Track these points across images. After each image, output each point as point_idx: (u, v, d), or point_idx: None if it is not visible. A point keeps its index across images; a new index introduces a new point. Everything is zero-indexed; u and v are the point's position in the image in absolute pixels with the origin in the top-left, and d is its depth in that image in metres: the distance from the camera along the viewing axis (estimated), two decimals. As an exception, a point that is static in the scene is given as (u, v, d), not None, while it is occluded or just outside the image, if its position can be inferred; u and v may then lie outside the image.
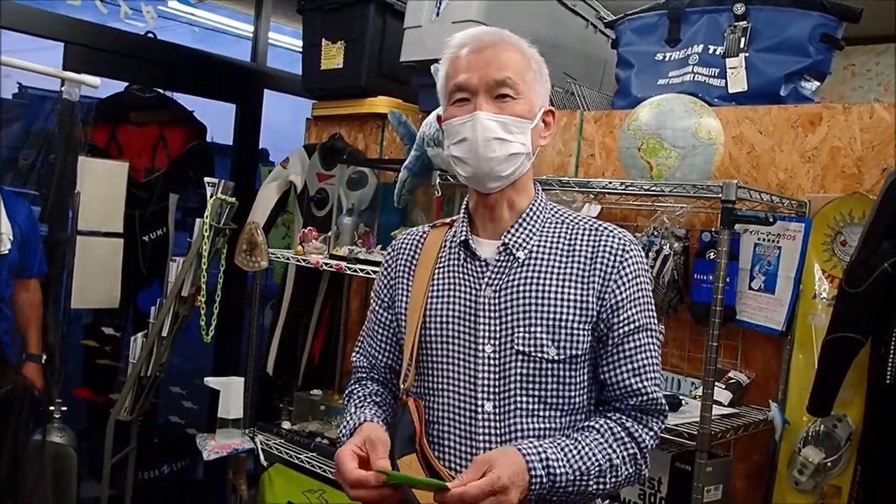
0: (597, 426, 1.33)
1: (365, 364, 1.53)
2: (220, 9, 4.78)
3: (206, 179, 2.98)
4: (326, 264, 2.77)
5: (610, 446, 1.31)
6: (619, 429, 1.32)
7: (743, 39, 2.35)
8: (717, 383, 2.09)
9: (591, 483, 1.28)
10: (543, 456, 1.24)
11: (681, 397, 2.14)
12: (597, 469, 1.28)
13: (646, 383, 1.33)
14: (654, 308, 1.38)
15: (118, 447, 3.16)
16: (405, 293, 1.45)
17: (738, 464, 2.20)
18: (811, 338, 2.08)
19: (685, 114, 2.03)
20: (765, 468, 2.17)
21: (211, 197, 2.96)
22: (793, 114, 2.22)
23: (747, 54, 2.35)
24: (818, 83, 2.36)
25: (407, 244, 1.50)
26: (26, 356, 2.93)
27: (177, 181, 3.75)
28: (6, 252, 2.77)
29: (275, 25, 4.30)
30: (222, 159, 4.05)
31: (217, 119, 4.07)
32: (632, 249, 1.36)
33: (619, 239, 1.36)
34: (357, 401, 1.47)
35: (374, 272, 2.59)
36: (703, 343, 2.07)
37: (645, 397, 1.33)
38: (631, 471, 1.33)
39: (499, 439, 1.32)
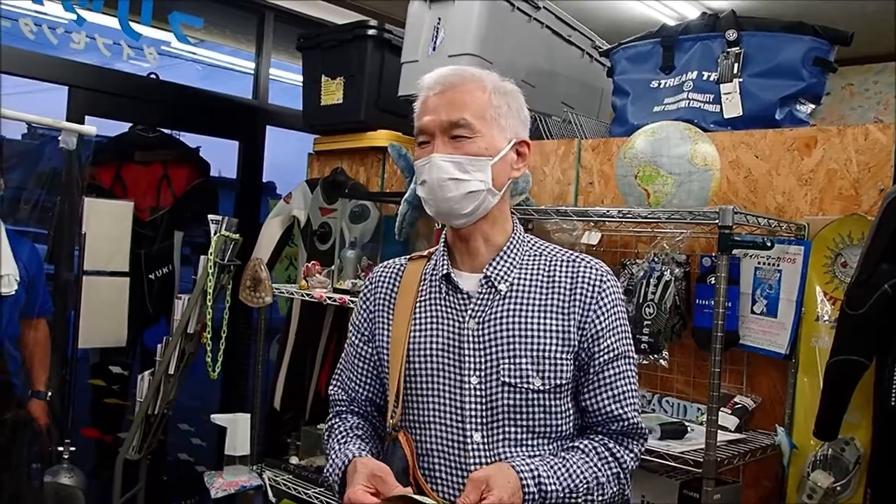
0: (581, 447, 1.38)
1: (344, 397, 1.53)
2: (222, 47, 4.86)
3: (210, 217, 3.01)
4: (330, 298, 2.78)
5: (595, 465, 1.36)
6: (603, 449, 1.38)
7: (736, 65, 2.37)
8: (723, 409, 2.09)
9: (579, 500, 1.33)
10: (535, 473, 1.29)
11: (686, 424, 2.13)
12: (584, 486, 1.33)
13: (626, 409, 1.39)
14: (630, 335, 1.43)
15: (128, 486, 3.16)
16: (386, 326, 1.46)
17: (748, 490, 2.18)
18: (815, 360, 2.07)
19: (680, 141, 2.05)
20: (774, 494, 2.15)
21: (215, 234, 2.99)
22: (788, 137, 2.23)
23: (741, 79, 2.37)
24: (813, 106, 2.38)
25: (385, 277, 1.51)
26: (32, 393, 2.94)
27: (182, 219, 3.78)
28: (12, 293, 2.79)
29: (277, 62, 4.37)
30: (229, 193, 4.08)
31: (225, 153, 4.10)
32: (608, 280, 1.40)
33: (596, 270, 1.40)
34: (339, 436, 1.47)
35: (378, 305, 2.60)
36: (707, 368, 2.06)
37: (626, 422, 1.39)
38: (615, 489, 1.38)
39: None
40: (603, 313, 1.38)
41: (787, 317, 2.11)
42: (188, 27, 3.79)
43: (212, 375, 3.02)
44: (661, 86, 2.55)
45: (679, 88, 2.49)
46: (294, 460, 3.02)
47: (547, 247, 1.46)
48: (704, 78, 2.44)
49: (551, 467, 1.31)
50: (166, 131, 3.84)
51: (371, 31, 3.13)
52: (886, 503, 1.84)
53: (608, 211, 2.13)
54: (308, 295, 2.87)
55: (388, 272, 1.52)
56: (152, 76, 3.60)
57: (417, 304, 1.43)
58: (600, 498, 1.36)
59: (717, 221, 1.86)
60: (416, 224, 2.75)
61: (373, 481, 1.27)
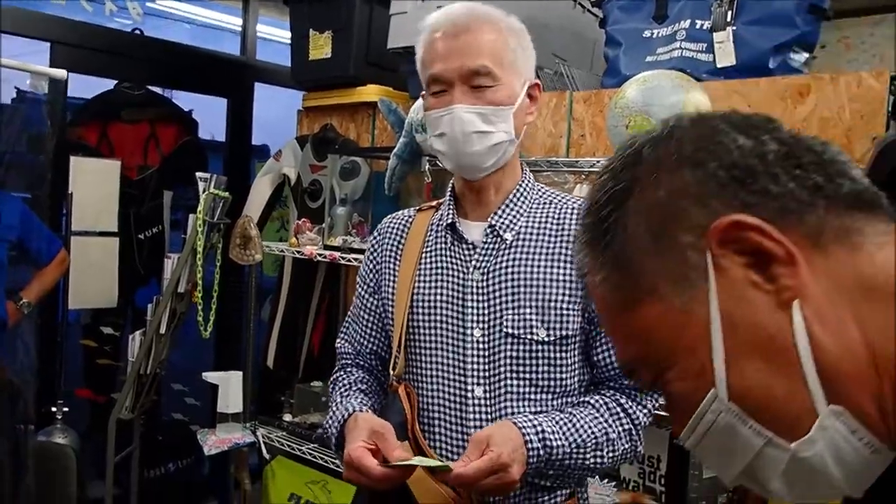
0: (592, 401, 1.32)
1: (350, 350, 1.51)
2: (209, 4, 4.77)
3: (198, 175, 2.98)
4: (321, 255, 2.76)
5: (605, 420, 1.30)
6: (614, 404, 1.31)
7: (729, 13, 2.33)
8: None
9: (587, 456, 1.27)
10: (539, 429, 1.23)
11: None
12: (593, 442, 1.28)
13: None
14: None
15: (122, 446, 3.17)
16: (392, 278, 1.42)
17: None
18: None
19: (672, 90, 2.02)
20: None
21: (203, 192, 2.96)
22: (781, 86, 2.20)
23: (734, 28, 2.32)
24: (807, 54, 2.34)
25: (393, 228, 1.47)
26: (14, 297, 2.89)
27: (170, 178, 3.74)
28: None
29: (268, 20, 4.30)
30: (221, 156, 4.04)
31: (217, 116, 4.05)
32: None
33: None
34: (342, 389, 1.45)
35: (368, 261, 2.59)
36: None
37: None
38: (627, 446, 1.32)
39: (490, 423, 1.30)
40: None
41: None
42: (173, -19, 3.72)
43: (203, 335, 3.01)
44: (654, 35, 2.51)
45: (672, 38, 2.45)
46: (287, 417, 3.03)
47: (558, 195, 1.40)
48: (697, 27, 2.39)
49: (557, 423, 1.26)
50: (153, 89, 3.78)
51: (358, -17, 3.07)
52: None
53: (599, 162, 2.10)
54: (298, 252, 2.85)
55: (395, 223, 1.47)
56: (137, 32, 3.53)
57: (423, 256, 1.39)
58: (611, 454, 1.30)
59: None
60: (407, 179, 2.72)
61: (374, 438, 1.22)
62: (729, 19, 2.33)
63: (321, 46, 3.19)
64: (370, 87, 3.11)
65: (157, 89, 3.91)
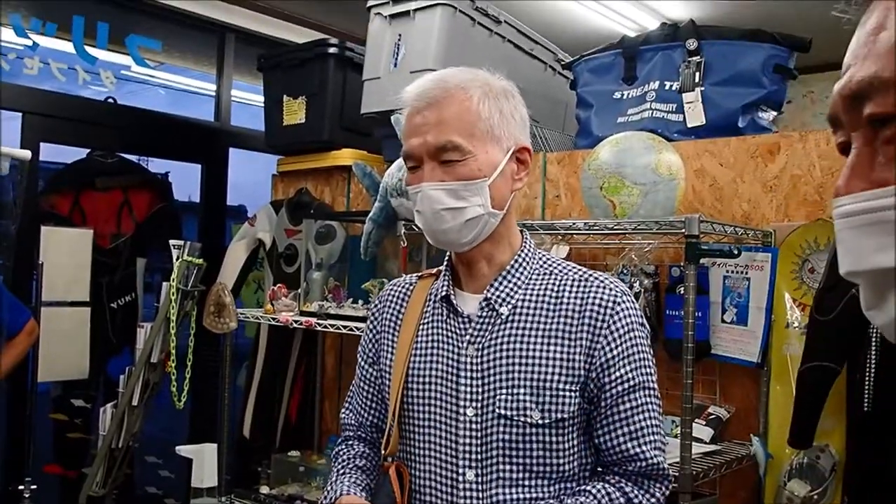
0: (592, 490, 1.23)
1: (353, 422, 1.45)
2: (183, 70, 4.80)
3: (172, 242, 2.95)
4: (296, 321, 2.72)
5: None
6: (617, 493, 1.22)
7: (697, 74, 2.37)
8: (697, 420, 2.06)
9: None
10: None
11: (661, 437, 2.10)
12: None
13: (644, 447, 1.22)
14: (651, 365, 1.26)
15: (95, 524, 3.06)
16: (390, 349, 1.37)
17: (725, 501, 2.15)
18: (787, 368, 2.06)
19: (644, 150, 2.03)
20: (752, 504, 2.12)
21: (177, 259, 2.92)
22: (751, 144, 2.23)
23: (703, 88, 2.36)
24: (775, 112, 2.39)
25: (393, 296, 1.41)
26: None
27: (144, 245, 3.70)
28: None
29: (239, 83, 4.32)
30: (195, 216, 4.01)
31: (193, 178, 4.04)
32: (623, 301, 1.25)
33: (610, 290, 1.25)
34: (340, 466, 1.40)
35: (346, 327, 2.55)
36: (680, 380, 2.03)
37: (644, 462, 1.22)
38: None
39: None
40: (615, 339, 1.22)
41: (758, 325, 2.10)
42: (146, 50, 3.74)
43: (177, 405, 2.94)
44: (624, 97, 2.54)
45: (642, 99, 2.49)
46: (265, 489, 2.94)
47: (559, 265, 1.32)
48: (667, 88, 2.43)
49: None
50: (126, 156, 3.76)
51: (332, 49, 3.11)
52: (864, 510, 1.82)
53: (574, 223, 2.10)
54: (274, 319, 2.81)
55: (396, 291, 1.41)
56: (110, 101, 3.53)
57: (420, 327, 1.33)
58: None
59: (683, 231, 1.84)
60: (383, 243, 2.70)
61: None
62: (697, 80, 2.37)
63: (295, 112, 3.20)
64: (345, 151, 3.12)
65: (132, 156, 3.89)
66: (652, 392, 1.25)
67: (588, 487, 1.23)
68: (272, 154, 3.56)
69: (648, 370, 1.25)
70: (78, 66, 3.39)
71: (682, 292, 2.12)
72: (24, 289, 3.24)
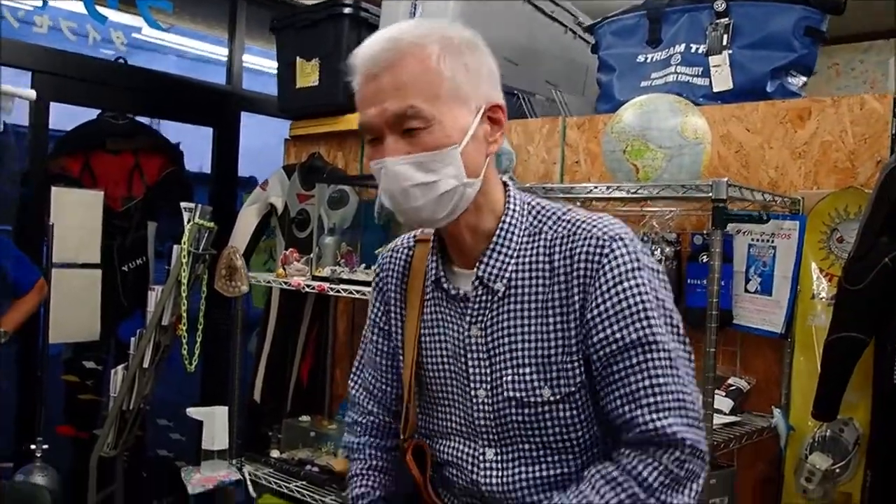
0: (586, 474, 1.12)
1: (365, 397, 1.37)
2: (195, 33, 4.73)
3: (183, 204, 2.90)
4: (309, 286, 2.68)
5: (597, 491, 1.08)
6: (612, 468, 1.09)
7: (725, 37, 2.29)
8: (717, 391, 2.02)
9: None
10: None
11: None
12: None
13: (642, 411, 1.07)
14: (656, 316, 1.09)
15: (105, 484, 3.06)
16: (400, 323, 1.30)
17: (743, 473, 2.11)
18: (812, 339, 2.01)
19: (670, 113, 1.96)
20: (771, 477, 2.08)
21: (188, 222, 2.88)
22: (781, 109, 2.16)
23: (731, 51, 2.29)
24: (805, 78, 2.31)
25: (394, 263, 1.31)
26: None
27: (155, 209, 3.66)
28: None
29: (255, 49, 4.26)
30: (206, 188, 3.97)
31: (203, 149, 3.98)
32: (613, 249, 1.09)
33: (596, 239, 1.10)
34: (357, 473, 1.36)
35: (358, 292, 2.51)
36: (700, 350, 1.99)
37: (642, 427, 1.07)
38: None
39: (503, 488, 1.17)
40: (601, 294, 1.09)
41: (783, 295, 2.04)
42: (158, 11, 3.66)
43: (188, 368, 2.92)
44: (648, 60, 2.47)
45: (667, 62, 2.41)
46: (275, 453, 2.93)
47: (549, 217, 1.17)
48: (693, 51, 2.36)
49: None
50: (137, 119, 3.71)
51: (347, 10, 3.02)
52: (887, 485, 1.77)
53: (595, 188, 2.04)
54: (286, 283, 2.77)
55: (396, 258, 1.31)
56: (121, 61, 3.48)
57: (425, 303, 1.24)
58: None
59: (710, 195, 1.78)
60: (397, 207, 2.65)
61: None
62: (725, 43, 2.29)
63: (308, 74, 3.13)
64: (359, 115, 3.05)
65: (143, 119, 3.84)
66: (652, 348, 1.08)
67: (584, 474, 1.13)
68: (285, 119, 3.50)
69: (646, 324, 1.08)
70: (89, 26, 3.33)
71: (704, 260, 2.07)
72: (35, 250, 3.21)
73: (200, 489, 2.73)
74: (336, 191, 2.92)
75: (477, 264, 1.17)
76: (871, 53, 4.78)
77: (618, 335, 1.08)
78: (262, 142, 4.21)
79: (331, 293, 2.62)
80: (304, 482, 2.72)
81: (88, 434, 3.42)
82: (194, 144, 3.98)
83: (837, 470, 1.91)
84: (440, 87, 1.07)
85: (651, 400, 1.07)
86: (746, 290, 2.11)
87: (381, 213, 2.55)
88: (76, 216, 3.17)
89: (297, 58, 3.17)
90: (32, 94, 2.85)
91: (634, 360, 1.08)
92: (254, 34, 4.04)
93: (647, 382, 1.07)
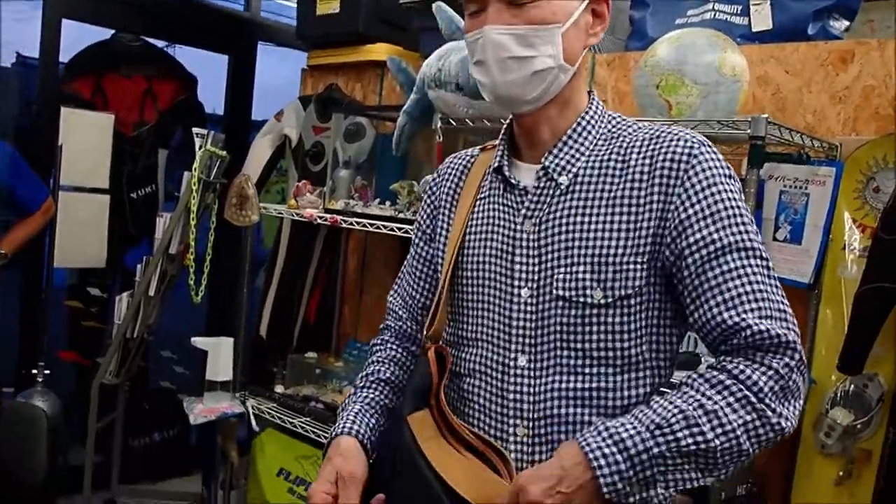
0: (685, 380, 1.05)
1: (399, 304, 1.35)
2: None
3: (195, 130, 2.83)
4: (321, 218, 2.62)
5: (698, 391, 1.00)
6: (716, 373, 1.02)
7: (768, -27, 2.18)
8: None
9: (680, 437, 0.97)
10: (601, 428, 1.01)
11: (699, 355, 1.99)
12: (681, 418, 0.98)
13: (746, 315, 1.01)
14: (747, 222, 1.06)
15: (107, 412, 3.04)
16: (446, 226, 1.26)
17: (759, 427, 2.06)
18: (840, 291, 1.93)
19: (708, 48, 1.87)
20: (787, 431, 2.03)
21: (200, 149, 2.81)
22: (822, 51, 2.06)
23: (773, -11, 2.18)
24: (847, 22, 2.21)
25: (452, 169, 1.30)
26: None
27: (167, 136, 3.59)
28: None
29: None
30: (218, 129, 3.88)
31: (217, 87, 3.88)
32: (701, 152, 1.06)
33: (684, 141, 1.07)
34: (361, 381, 1.30)
35: (372, 225, 2.44)
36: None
37: (747, 333, 1.00)
38: (748, 418, 0.98)
39: (532, 399, 1.11)
40: (692, 195, 1.05)
41: (813, 244, 1.96)
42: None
43: (194, 299, 2.87)
44: (685, -4, 2.36)
45: (704, -1, 2.31)
46: (279, 389, 2.89)
47: (631, 126, 1.15)
48: (732, -13, 2.25)
49: (628, 417, 1.02)
50: (152, 41, 3.62)
51: (372, -67, 2.91)
52: (910, 443, 1.72)
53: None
54: (298, 214, 2.70)
55: (455, 163, 1.30)
56: (136, -20, 3.38)
57: (477, 202, 1.22)
58: (720, 431, 0.98)
59: (747, 132, 1.70)
60: (416, 140, 2.56)
61: (338, 484, 1.12)
62: (767, -20, 2.18)
63: (329, 1, 3.03)
64: (379, 46, 2.96)
65: (157, 43, 3.74)
66: (751, 253, 1.04)
67: (685, 380, 1.05)
68: (302, 50, 3.40)
69: (742, 228, 1.05)
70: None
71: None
72: (44, 172, 3.15)
73: (202, 419, 2.70)
74: (353, 123, 2.83)
75: (545, 155, 1.14)
76: (909, 14, 4.63)
77: (715, 236, 1.04)
78: (279, 78, 4.11)
79: (343, 226, 2.55)
80: (308, 418, 2.68)
81: (91, 361, 3.40)
82: (208, 83, 3.87)
83: (859, 426, 1.85)
84: None
85: (756, 305, 1.02)
86: (775, 239, 2.03)
87: (400, 144, 2.47)
88: (86, 139, 3.11)
89: (319, -17, 3.06)
90: None
91: (735, 265, 1.04)
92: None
93: (749, 287, 1.03)
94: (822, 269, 1.96)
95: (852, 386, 1.87)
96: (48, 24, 3.05)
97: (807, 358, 1.96)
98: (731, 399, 0.99)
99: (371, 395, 1.27)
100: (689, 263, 1.05)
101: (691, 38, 1.91)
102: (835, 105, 2.02)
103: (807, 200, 1.98)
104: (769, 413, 0.99)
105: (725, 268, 1.04)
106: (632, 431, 0.99)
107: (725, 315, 1.03)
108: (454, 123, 2.26)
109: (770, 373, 1.00)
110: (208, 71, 3.79)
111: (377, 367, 1.31)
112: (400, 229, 2.35)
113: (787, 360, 1.01)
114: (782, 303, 1.04)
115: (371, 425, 1.22)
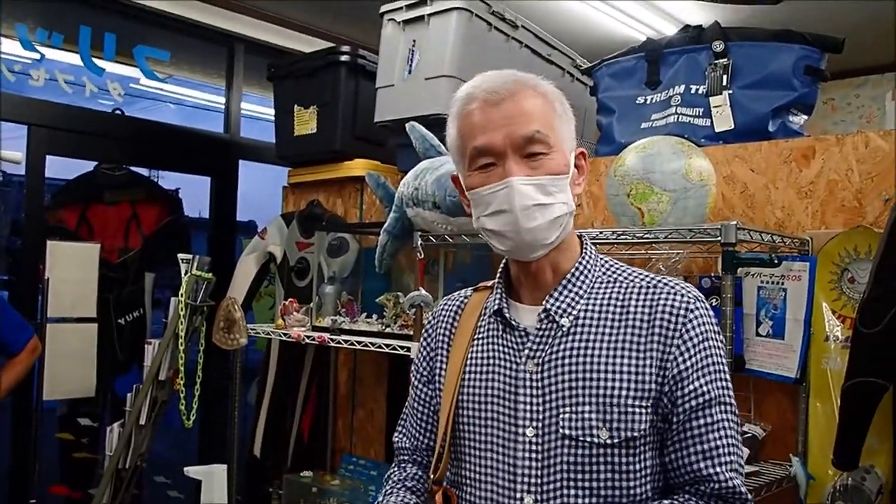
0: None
1: (407, 446, 1.37)
2: (192, 83, 4.74)
3: (180, 256, 2.86)
4: (309, 337, 2.63)
5: None
6: None
7: (725, 77, 2.27)
8: (731, 439, 1.95)
9: None
10: None
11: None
12: None
13: (719, 469, 1.11)
14: (728, 378, 1.16)
15: (100, 547, 2.96)
16: (443, 367, 1.29)
17: (762, 525, 2.04)
18: (828, 383, 1.95)
19: (673, 155, 1.93)
20: (791, 528, 2.01)
21: (185, 274, 2.84)
22: (784, 149, 2.13)
23: (731, 91, 2.27)
24: (806, 116, 2.29)
25: (446, 312, 1.34)
26: None
27: (152, 260, 3.62)
28: None
29: (252, 97, 4.26)
30: (205, 233, 3.93)
31: (202, 194, 3.95)
32: (697, 308, 1.15)
33: (682, 296, 1.15)
34: (389, 487, 1.32)
35: (360, 343, 2.45)
36: (713, 397, 1.93)
37: (718, 485, 1.11)
38: None
39: None
40: (689, 349, 1.13)
41: (795, 338, 1.99)
42: (155, 61, 3.67)
43: (186, 424, 2.85)
44: (648, 101, 2.45)
45: (667, 103, 2.39)
46: (276, 511, 2.85)
47: (625, 271, 1.23)
48: (692, 91, 2.34)
49: None
50: (134, 169, 3.69)
51: (344, 58, 3.03)
52: (914, 535, 1.71)
53: (601, 233, 2.00)
54: (285, 334, 2.71)
55: (449, 306, 1.34)
56: (117, 112, 3.47)
57: (474, 343, 1.25)
58: None
59: (719, 239, 1.74)
60: (398, 255, 2.61)
61: None
62: (724, 83, 2.27)
63: (306, 122, 3.12)
64: (357, 162, 3.04)
65: (141, 170, 3.82)
66: (730, 408, 1.14)
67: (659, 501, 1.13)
68: (283, 166, 3.48)
69: (725, 384, 1.15)
70: (85, 79, 3.32)
71: (713, 304, 2.02)
72: (30, 304, 3.17)
73: (200, 550, 2.64)
74: (336, 238, 2.88)
75: (547, 298, 1.19)
76: (867, 88, 4.80)
77: (704, 388, 1.13)
78: (261, 188, 4.19)
79: (331, 344, 2.56)
80: (306, 540, 2.63)
81: (82, 494, 3.33)
82: (194, 190, 3.95)
83: (861, 520, 1.83)
84: (554, 120, 1.16)
85: (728, 459, 1.12)
86: (758, 334, 2.06)
87: (382, 261, 2.51)
88: (72, 270, 3.13)
89: (295, 105, 3.17)
90: (19, 156, 2.83)
91: (716, 417, 1.13)
92: (251, 82, 4.05)
93: (725, 441, 1.13)
94: (807, 362, 1.98)
95: (850, 480, 1.86)
96: (32, 162, 3.11)
97: (801, 453, 1.97)
98: None
99: (404, 496, 1.29)
100: (680, 412, 1.13)
101: (657, 146, 1.98)
102: (802, 200, 2.08)
103: (784, 295, 2.01)
104: None
105: (710, 419, 1.13)
106: None
107: (702, 464, 1.12)
108: (434, 240, 2.30)
109: None
110: (195, 176, 3.85)
111: (404, 476, 1.34)
112: (388, 346, 2.36)
113: None
114: (741, 455, 1.15)
115: None
